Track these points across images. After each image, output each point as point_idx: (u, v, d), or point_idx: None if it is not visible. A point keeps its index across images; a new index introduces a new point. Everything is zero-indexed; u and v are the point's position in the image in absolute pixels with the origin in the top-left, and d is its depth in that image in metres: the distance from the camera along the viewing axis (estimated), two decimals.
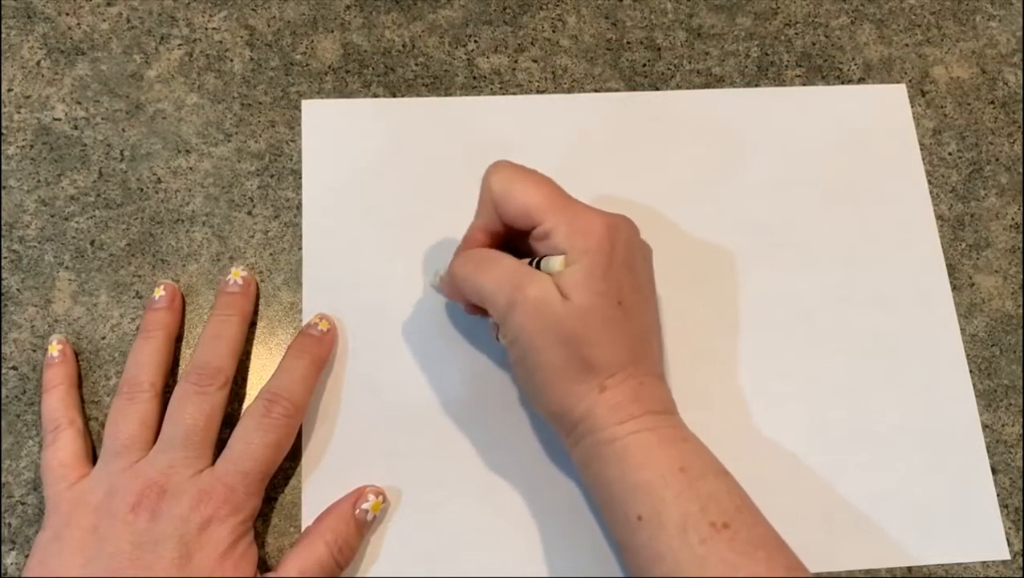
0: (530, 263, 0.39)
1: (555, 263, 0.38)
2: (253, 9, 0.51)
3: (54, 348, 0.43)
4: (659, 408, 0.38)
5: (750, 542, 0.35)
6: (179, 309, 0.44)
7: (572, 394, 0.38)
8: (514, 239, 0.41)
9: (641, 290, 0.40)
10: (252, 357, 0.44)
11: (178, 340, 0.44)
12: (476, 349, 0.45)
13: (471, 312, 0.43)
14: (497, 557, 0.42)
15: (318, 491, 0.42)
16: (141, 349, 0.42)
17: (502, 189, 0.39)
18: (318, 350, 0.43)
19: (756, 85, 0.51)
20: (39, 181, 0.46)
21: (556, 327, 0.37)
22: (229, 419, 0.42)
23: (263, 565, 0.40)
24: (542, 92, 0.50)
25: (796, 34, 0.53)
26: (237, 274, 0.44)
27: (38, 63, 0.49)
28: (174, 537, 0.36)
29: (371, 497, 0.41)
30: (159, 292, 0.44)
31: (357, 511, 0.40)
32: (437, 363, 0.45)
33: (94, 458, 0.41)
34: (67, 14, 0.50)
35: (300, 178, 0.47)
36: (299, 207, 0.47)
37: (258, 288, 0.45)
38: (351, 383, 0.44)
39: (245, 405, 0.43)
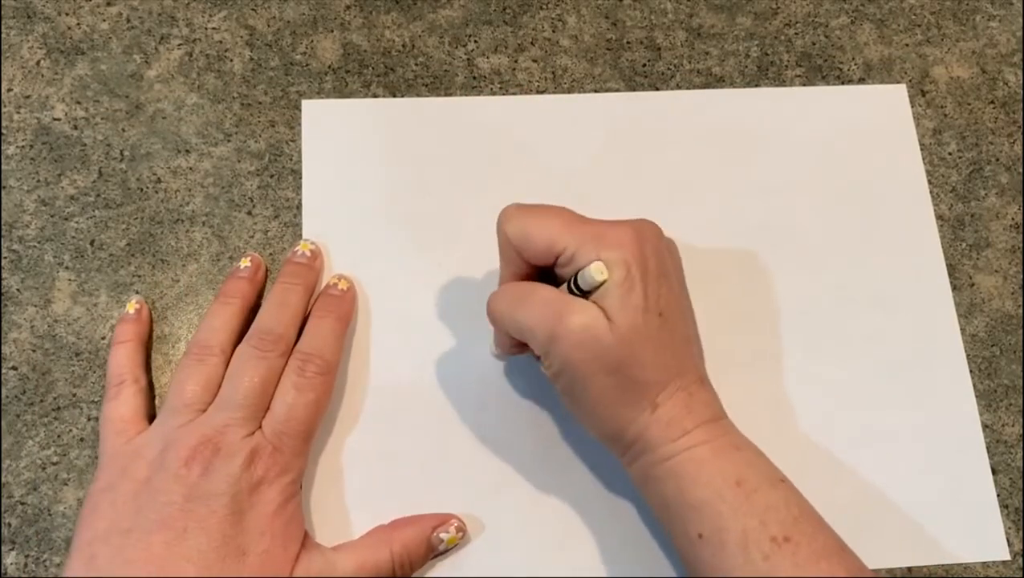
0: (568, 290, 0.38)
1: (593, 271, 0.36)
2: (253, 9, 0.51)
3: (131, 306, 0.44)
4: (710, 416, 0.38)
5: (812, 553, 0.35)
6: (260, 282, 0.45)
7: (624, 417, 0.37)
8: (544, 277, 0.40)
9: (677, 295, 0.39)
10: None
11: (174, 340, 0.44)
12: (477, 349, 0.45)
13: (514, 351, 0.42)
14: (502, 558, 0.42)
15: (321, 498, 0.42)
16: (217, 314, 0.42)
17: (519, 233, 0.38)
18: (340, 308, 0.43)
19: (756, 85, 0.51)
20: (39, 181, 0.46)
21: (603, 355, 0.36)
22: None
23: None
24: (542, 92, 0.50)
25: (796, 34, 0.53)
26: (306, 246, 0.45)
27: (38, 63, 0.49)
28: (227, 494, 0.37)
29: (452, 530, 0.41)
30: (245, 262, 0.44)
31: (434, 536, 0.40)
32: (438, 362, 0.45)
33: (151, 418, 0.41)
34: (67, 14, 0.50)
35: (300, 178, 0.47)
36: (299, 207, 0.47)
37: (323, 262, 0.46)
38: (351, 383, 0.44)
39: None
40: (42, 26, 0.49)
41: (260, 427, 0.39)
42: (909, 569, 0.43)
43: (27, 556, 0.41)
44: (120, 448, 0.39)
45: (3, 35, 0.49)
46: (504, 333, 0.40)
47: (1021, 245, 0.50)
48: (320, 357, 0.41)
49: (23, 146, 0.47)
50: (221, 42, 0.50)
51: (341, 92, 0.49)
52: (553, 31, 0.52)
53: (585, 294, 0.37)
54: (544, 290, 0.38)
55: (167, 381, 0.44)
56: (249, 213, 0.47)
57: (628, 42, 0.52)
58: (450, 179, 0.48)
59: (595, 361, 0.36)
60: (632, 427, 0.37)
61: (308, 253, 0.44)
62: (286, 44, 0.50)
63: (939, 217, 0.50)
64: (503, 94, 0.50)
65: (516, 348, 0.41)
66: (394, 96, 0.50)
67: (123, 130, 0.48)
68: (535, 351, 0.38)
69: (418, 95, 0.50)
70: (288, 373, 0.40)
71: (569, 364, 0.37)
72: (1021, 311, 0.48)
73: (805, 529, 0.36)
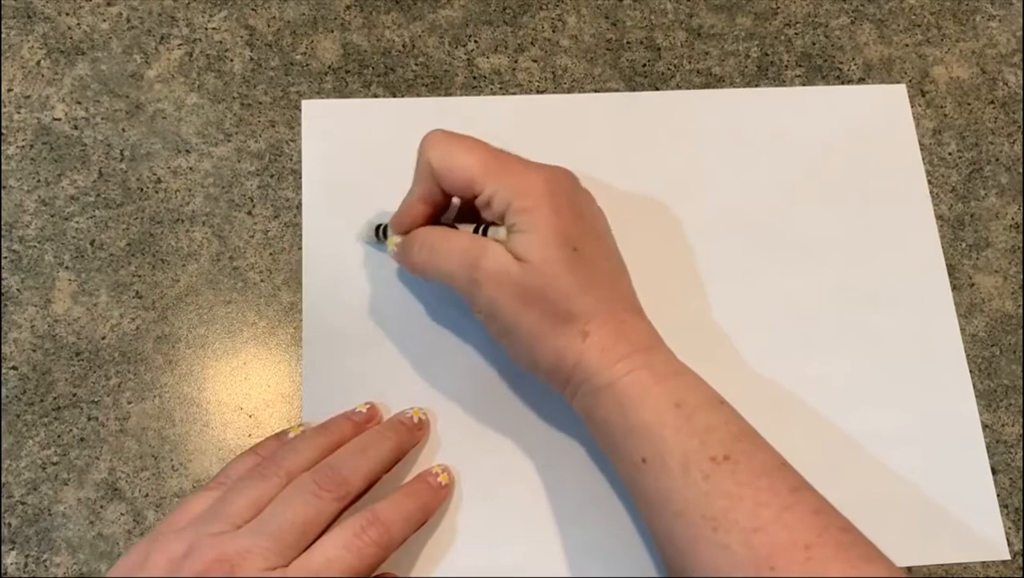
0: (476, 229, 0.40)
1: (500, 234, 0.39)
2: (253, 9, 0.51)
3: (295, 429, 0.42)
4: (646, 343, 0.39)
5: (751, 471, 0.36)
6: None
7: (557, 348, 0.38)
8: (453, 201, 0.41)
9: (595, 232, 0.40)
10: (251, 357, 0.45)
11: (174, 340, 0.44)
12: (478, 348, 0.45)
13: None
14: (501, 555, 0.42)
15: None
16: (307, 439, 0.40)
17: (441, 162, 0.40)
18: (431, 500, 0.41)
19: (756, 85, 0.51)
20: (39, 181, 0.46)
21: (520, 290, 0.38)
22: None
23: None
24: (542, 92, 0.50)
25: (796, 34, 0.53)
26: (417, 413, 0.43)
27: (38, 63, 0.49)
28: None
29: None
30: (362, 408, 0.43)
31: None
32: (438, 362, 0.45)
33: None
34: (67, 14, 0.50)
35: (300, 178, 0.47)
36: (299, 207, 0.47)
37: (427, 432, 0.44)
38: (352, 384, 0.44)
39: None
40: (42, 26, 0.49)
41: (287, 565, 0.35)
42: (909, 569, 0.43)
43: (27, 556, 0.41)
44: (160, 531, 0.37)
45: (3, 35, 0.49)
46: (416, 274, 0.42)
47: (1021, 245, 0.50)
48: (388, 530, 0.37)
49: (23, 146, 0.47)
50: (221, 42, 0.50)
51: (341, 92, 0.49)
52: (553, 31, 0.52)
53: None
54: (458, 237, 0.40)
55: (167, 381, 0.44)
56: (249, 213, 0.47)
57: (628, 42, 0.52)
58: None
59: (515, 297, 0.38)
60: (567, 356, 0.38)
61: (416, 420, 0.43)
62: (286, 44, 0.50)
63: (939, 217, 0.50)
64: (503, 94, 0.50)
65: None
66: (394, 96, 0.50)
67: (123, 130, 0.48)
68: (462, 296, 0.40)
69: (418, 95, 0.50)
70: (345, 525, 0.37)
71: (493, 304, 0.38)
72: (1021, 311, 0.48)
73: (745, 448, 0.36)
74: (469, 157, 0.39)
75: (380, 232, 0.45)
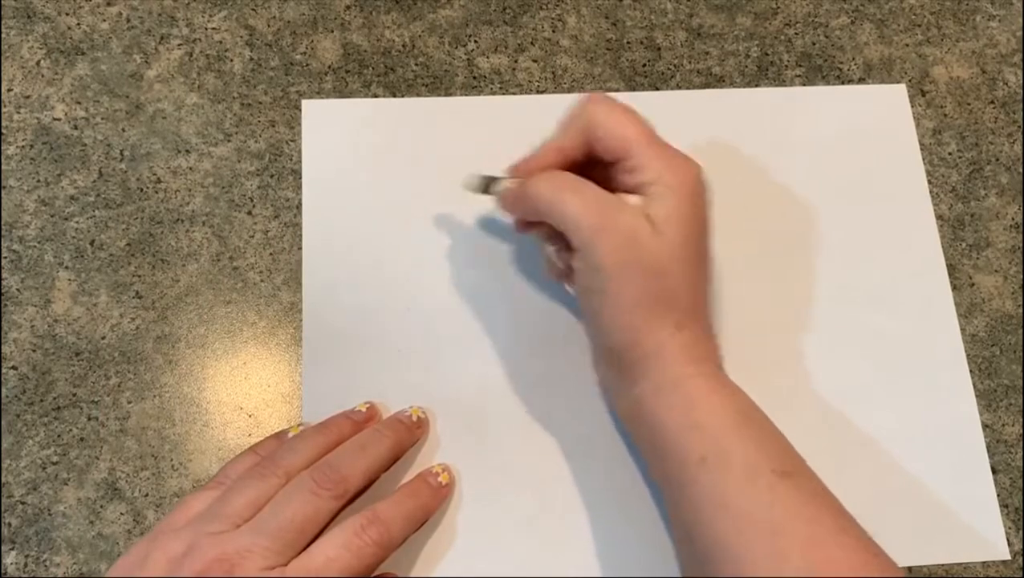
0: None
1: (634, 201, 0.38)
2: (253, 9, 0.51)
3: (294, 429, 0.42)
4: (716, 356, 0.40)
5: (812, 492, 0.36)
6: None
7: (646, 326, 0.38)
8: (585, 171, 0.40)
9: (708, 237, 0.40)
10: (251, 357, 0.45)
11: (174, 340, 0.44)
12: (478, 348, 0.45)
13: (523, 230, 0.43)
14: (502, 558, 0.42)
15: None
16: (306, 438, 0.40)
17: (603, 117, 0.39)
18: (431, 500, 0.41)
19: (756, 85, 0.51)
20: (39, 181, 0.46)
21: (645, 258, 0.37)
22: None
23: None
24: (542, 92, 0.50)
25: (796, 34, 0.53)
26: (416, 412, 0.43)
27: (38, 63, 0.49)
28: None
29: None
30: (362, 407, 0.43)
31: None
32: (438, 362, 0.45)
33: None
34: (67, 14, 0.50)
35: (300, 178, 0.47)
36: (299, 207, 0.47)
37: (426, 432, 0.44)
38: (352, 384, 0.44)
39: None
40: (42, 26, 0.49)
41: (287, 564, 0.35)
42: (909, 569, 0.43)
43: (27, 556, 0.41)
44: (159, 530, 0.37)
45: (3, 35, 0.49)
46: (526, 213, 0.40)
47: (1021, 245, 0.50)
48: (388, 530, 0.37)
49: (23, 146, 0.47)
50: (221, 42, 0.50)
51: (341, 92, 0.49)
52: (553, 31, 0.52)
53: None
54: (594, 187, 0.39)
55: (167, 381, 0.44)
56: (249, 213, 0.47)
57: (628, 42, 0.52)
58: (450, 179, 0.48)
59: (635, 261, 0.37)
60: (650, 340, 0.38)
61: (414, 418, 0.43)
62: (286, 44, 0.50)
63: (939, 217, 0.50)
64: (503, 94, 0.50)
65: (526, 228, 0.42)
66: (394, 96, 0.50)
67: (123, 130, 0.48)
68: (573, 241, 0.38)
69: (418, 95, 0.50)
70: (345, 525, 0.37)
71: (608, 259, 0.37)
72: (1021, 311, 0.48)
73: (804, 471, 0.37)
74: (631, 122, 0.39)
75: (488, 184, 0.43)
